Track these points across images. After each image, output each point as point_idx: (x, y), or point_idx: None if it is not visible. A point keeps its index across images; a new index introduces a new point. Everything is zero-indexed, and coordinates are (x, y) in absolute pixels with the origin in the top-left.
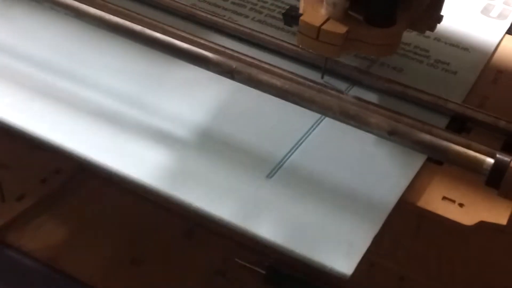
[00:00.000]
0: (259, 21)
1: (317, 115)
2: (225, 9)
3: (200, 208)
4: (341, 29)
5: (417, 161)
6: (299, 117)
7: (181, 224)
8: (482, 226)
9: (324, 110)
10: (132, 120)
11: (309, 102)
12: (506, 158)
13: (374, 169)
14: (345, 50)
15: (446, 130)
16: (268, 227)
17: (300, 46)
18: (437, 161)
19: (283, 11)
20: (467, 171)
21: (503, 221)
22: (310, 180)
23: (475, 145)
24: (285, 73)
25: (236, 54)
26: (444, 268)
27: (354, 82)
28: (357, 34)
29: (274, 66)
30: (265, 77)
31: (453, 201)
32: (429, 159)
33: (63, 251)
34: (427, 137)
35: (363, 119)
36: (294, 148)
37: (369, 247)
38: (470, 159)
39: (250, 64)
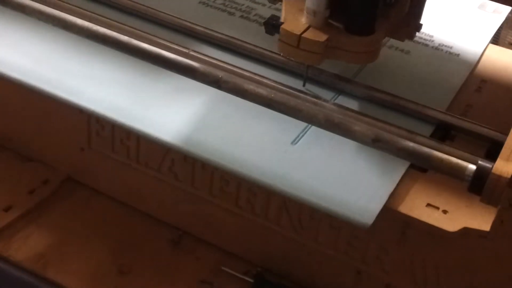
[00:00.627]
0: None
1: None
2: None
3: (234, 169)
4: (321, 37)
5: (401, 167)
6: None
7: (168, 233)
8: (466, 232)
9: (310, 118)
10: None
11: (294, 110)
12: (487, 165)
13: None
14: (326, 58)
15: (429, 138)
16: (295, 184)
17: (281, 54)
18: (421, 169)
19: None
20: (450, 177)
21: (486, 227)
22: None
23: (458, 152)
24: (271, 83)
25: (222, 64)
26: (429, 274)
27: (339, 91)
28: (337, 42)
29: (260, 76)
30: (251, 86)
31: (437, 208)
32: (413, 166)
33: (51, 261)
34: (410, 145)
35: (348, 127)
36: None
37: (354, 254)
38: (453, 165)
39: (236, 74)
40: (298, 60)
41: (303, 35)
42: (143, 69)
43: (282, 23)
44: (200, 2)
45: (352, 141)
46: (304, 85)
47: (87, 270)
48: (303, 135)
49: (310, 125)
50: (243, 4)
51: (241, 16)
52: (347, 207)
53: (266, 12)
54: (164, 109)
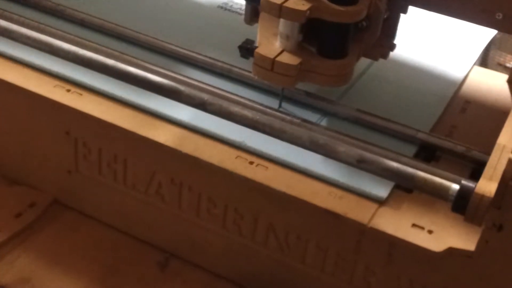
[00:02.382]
0: None
1: None
2: None
3: (259, 150)
4: (295, 60)
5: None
6: None
7: (155, 256)
8: (451, 252)
9: (294, 140)
10: None
11: (279, 132)
12: (470, 184)
13: None
14: (299, 81)
15: (413, 158)
16: (313, 165)
17: (256, 77)
18: (407, 189)
19: None
20: (434, 197)
21: (472, 247)
22: None
23: (441, 172)
24: (255, 105)
25: (207, 87)
26: None
27: (324, 112)
28: (310, 65)
29: (245, 98)
30: (236, 108)
31: (423, 228)
32: (398, 187)
33: (37, 285)
34: (394, 165)
35: (332, 148)
36: None
37: (340, 276)
38: (436, 185)
39: (221, 96)
40: (272, 83)
41: (276, 59)
42: None
43: (257, 47)
44: (219, 6)
45: None
46: (279, 106)
47: None
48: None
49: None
50: None
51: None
52: (363, 184)
53: None
54: None
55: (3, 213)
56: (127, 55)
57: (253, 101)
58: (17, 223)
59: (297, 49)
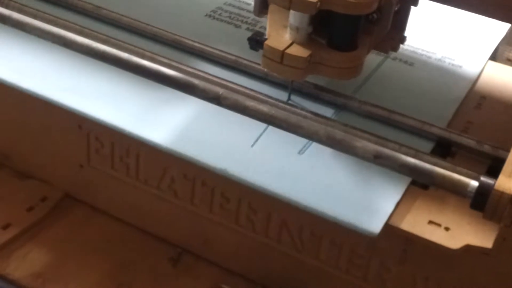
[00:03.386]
0: None
1: None
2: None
3: (240, 177)
4: (304, 53)
5: (402, 184)
6: None
7: (167, 251)
8: (468, 249)
9: (311, 135)
10: None
11: (295, 127)
12: (490, 181)
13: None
14: (309, 73)
15: (430, 154)
16: (300, 194)
17: (265, 69)
18: (423, 186)
19: None
20: (452, 194)
21: (489, 244)
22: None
23: (460, 168)
24: (271, 100)
25: (222, 81)
26: None
27: (339, 107)
28: (320, 58)
29: (260, 93)
30: (251, 103)
31: (439, 225)
32: (414, 183)
33: (49, 279)
34: (412, 161)
35: (349, 143)
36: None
37: (355, 273)
38: (455, 182)
39: (236, 91)
40: (282, 76)
41: (286, 51)
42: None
43: (266, 39)
44: (206, 15)
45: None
46: (288, 99)
47: None
48: (309, 145)
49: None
50: (248, 17)
51: (247, 29)
52: (354, 216)
53: None
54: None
55: (14, 207)
56: (140, 48)
57: (269, 96)
58: (28, 217)
59: (307, 41)
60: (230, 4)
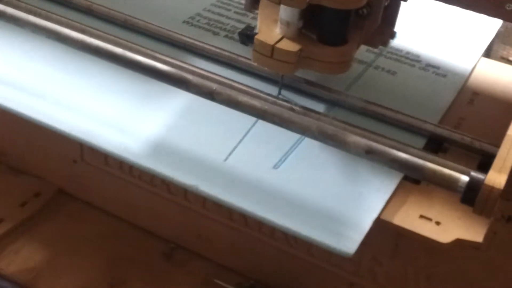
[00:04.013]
0: None
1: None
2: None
3: (211, 194)
4: (294, 47)
5: (394, 179)
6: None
7: (161, 246)
8: (459, 243)
9: (303, 130)
10: None
11: (288, 122)
12: (480, 176)
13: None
14: (299, 68)
15: (422, 150)
16: (275, 212)
17: (256, 63)
18: (414, 180)
19: None
20: (442, 189)
21: (479, 238)
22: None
23: (451, 164)
24: (264, 95)
25: (215, 76)
26: (423, 286)
27: (332, 103)
28: (310, 52)
29: (253, 88)
30: (245, 98)
31: (430, 220)
32: (406, 178)
33: (42, 274)
34: (403, 156)
35: (341, 138)
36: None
37: (347, 267)
38: (446, 177)
39: (230, 86)
40: (272, 70)
41: (276, 45)
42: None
43: (256, 33)
44: (184, 22)
45: (334, 165)
46: (279, 94)
47: (79, 283)
48: (285, 159)
49: (292, 150)
50: (228, 24)
51: (226, 36)
52: (328, 236)
53: None
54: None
55: (8, 202)
56: (134, 43)
57: (262, 91)
58: (22, 213)
59: (297, 36)
60: (209, 10)
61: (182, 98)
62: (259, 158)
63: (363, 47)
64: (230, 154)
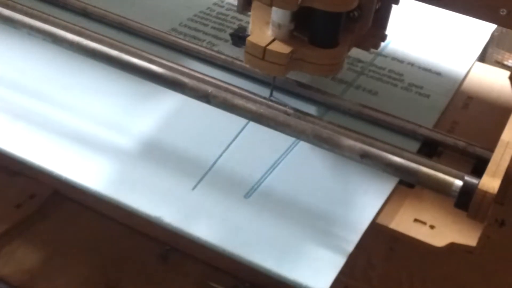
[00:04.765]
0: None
1: (289, 141)
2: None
3: (179, 228)
4: (286, 49)
5: (390, 184)
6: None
7: (156, 248)
8: (452, 247)
9: (298, 133)
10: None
11: (283, 126)
12: (474, 181)
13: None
14: (290, 70)
15: (416, 154)
16: (244, 247)
17: (248, 65)
18: (409, 184)
19: None
20: (437, 193)
21: (473, 242)
22: (284, 202)
23: (445, 168)
24: (259, 98)
25: (211, 79)
26: None
27: (327, 107)
28: (301, 54)
29: (249, 91)
30: (240, 101)
31: (424, 223)
32: (400, 182)
33: (38, 276)
34: (398, 160)
35: (336, 142)
36: (270, 170)
37: (342, 269)
38: (440, 181)
39: (225, 89)
40: (263, 71)
41: (268, 47)
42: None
43: (248, 35)
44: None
45: (306, 194)
46: (271, 95)
47: (74, 285)
48: (257, 188)
49: (265, 177)
50: (204, 40)
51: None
52: (300, 273)
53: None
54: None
55: (3, 204)
56: (130, 46)
57: (258, 95)
58: (17, 214)
59: (289, 38)
60: (185, 26)
61: (148, 121)
62: (230, 186)
63: (351, 56)
64: (199, 181)
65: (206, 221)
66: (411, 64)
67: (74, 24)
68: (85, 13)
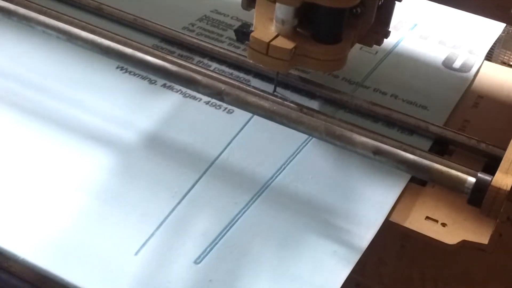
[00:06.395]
0: None
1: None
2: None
3: None
4: (289, 45)
5: (401, 181)
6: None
7: None
8: (464, 245)
9: (311, 130)
10: None
11: (296, 123)
12: (487, 177)
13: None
14: (294, 65)
15: (429, 152)
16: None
17: (251, 60)
18: (420, 182)
19: None
20: (449, 190)
21: (485, 240)
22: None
23: (457, 165)
24: (272, 96)
25: (224, 77)
26: (427, 287)
27: (339, 105)
28: (304, 50)
29: (262, 90)
30: (253, 99)
31: (436, 221)
32: (412, 180)
33: None
34: (411, 157)
35: (349, 139)
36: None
37: (354, 267)
38: (453, 178)
39: (239, 87)
40: (267, 67)
41: (271, 43)
42: None
43: (252, 31)
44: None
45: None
46: (274, 91)
47: None
48: (208, 253)
49: (217, 240)
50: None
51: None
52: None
53: None
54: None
55: None
56: (143, 44)
57: (270, 93)
58: None
59: (292, 34)
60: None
61: (95, 172)
62: (178, 250)
63: None
64: (143, 245)
65: None
66: (395, 96)
67: (87, 23)
68: (99, 12)
